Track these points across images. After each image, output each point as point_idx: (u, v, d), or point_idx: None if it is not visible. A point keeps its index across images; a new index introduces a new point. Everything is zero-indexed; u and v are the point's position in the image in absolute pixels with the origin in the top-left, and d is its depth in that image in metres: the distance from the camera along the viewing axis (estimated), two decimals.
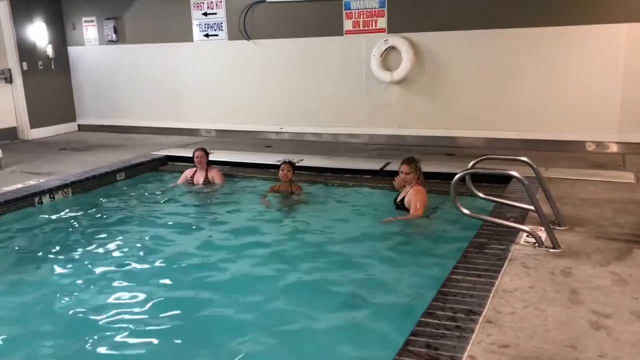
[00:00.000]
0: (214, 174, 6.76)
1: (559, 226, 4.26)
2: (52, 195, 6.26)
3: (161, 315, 3.75)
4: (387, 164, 6.95)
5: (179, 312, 3.78)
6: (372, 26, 8.33)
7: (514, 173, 3.84)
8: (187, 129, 9.98)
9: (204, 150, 6.80)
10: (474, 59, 7.88)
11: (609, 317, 2.88)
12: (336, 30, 8.59)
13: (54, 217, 5.94)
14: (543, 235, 3.95)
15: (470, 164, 4.49)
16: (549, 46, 7.43)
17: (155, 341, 3.47)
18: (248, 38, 9.17)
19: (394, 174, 6.54)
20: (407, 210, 5.24)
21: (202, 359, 3.27)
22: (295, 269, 4.43)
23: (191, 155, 6.84)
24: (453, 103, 8.09)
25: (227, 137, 9.58)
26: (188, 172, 6.89)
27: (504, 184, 5.64)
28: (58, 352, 3.36)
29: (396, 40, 8.12)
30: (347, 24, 8.48)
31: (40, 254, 4.93)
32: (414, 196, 5.20)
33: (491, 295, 3.15)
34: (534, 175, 4.41)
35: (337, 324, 3.56)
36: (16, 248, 5.10)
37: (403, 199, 5.33)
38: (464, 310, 2.97)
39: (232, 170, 7.40)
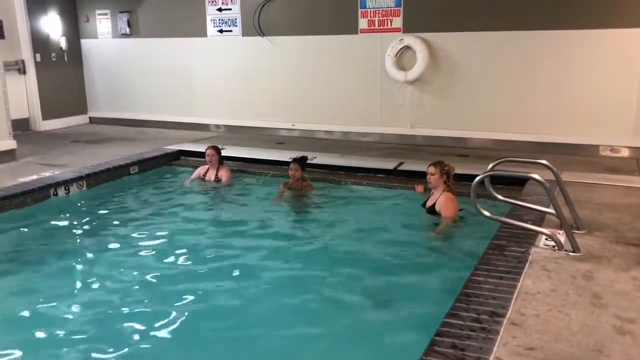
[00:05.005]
0: (223, 173, 6.73)
1: (578, 230, 4.26)
2: (67, 188, 6.28)
3: (171, 307, 3.77)
4: (401, 163, 6.95)
5: (187, 307, 3.81)
6: (387, 25, 8.31)
7: (536, 176, 3.84)
8: (198, 123, 10.00)
9: (215, 148, 6.78)
10: (488, 60, 7.87)
11: (633, 322, 2.88)
12: (351, 28, 8.57)
13: (69, 209, 5.97)
14: (562, 238, 3.95)
15: (490, 165, 4.48)
16: (564, 49, 7.40)
17: (165, 333, 3.50)
18: (262, 34, 9.17)
19: (407, 173, 6.63)
20: (438, 214, 5.19)
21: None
22: (305, 267, 4.46)
23: (203, 150, 6.83)
24: (466, 104, 8.08)
25: (237, 133, 9.58)
26: (201, 169, 6.89)
27: (519, 186, 5.65)
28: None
29: (411, 40, 8.10)
30: (363, 23, 8.47)
31: (57, 247, 4.96)
32: (444, 203, 5.13)
33: (514, 297, 3.15)
34: (552, 179, 4.40)
35: (353, 326, 3.56)
36: (31, 240, 5.11)
37: (433, 205, 5.25)
38: (487, 312, 2.97)
39: (244, 166, 7.41)
